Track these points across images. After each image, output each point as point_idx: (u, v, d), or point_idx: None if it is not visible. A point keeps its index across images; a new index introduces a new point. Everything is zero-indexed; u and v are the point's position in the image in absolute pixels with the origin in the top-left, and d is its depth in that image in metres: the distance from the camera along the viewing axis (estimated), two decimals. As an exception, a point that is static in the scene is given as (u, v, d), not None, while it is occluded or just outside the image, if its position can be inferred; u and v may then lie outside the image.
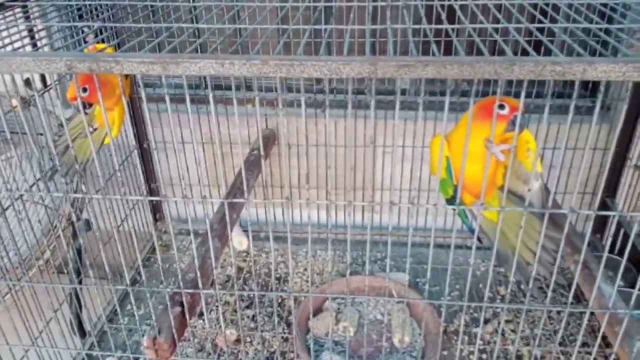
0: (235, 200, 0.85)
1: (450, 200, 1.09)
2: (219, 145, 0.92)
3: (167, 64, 0.74)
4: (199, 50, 1.29)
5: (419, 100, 0.80)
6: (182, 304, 1.01)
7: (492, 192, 1.06)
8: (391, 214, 1.76)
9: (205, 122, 1.79)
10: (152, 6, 1.20)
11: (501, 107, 0.96)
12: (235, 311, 1.67)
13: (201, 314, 1.66)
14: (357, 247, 1.97)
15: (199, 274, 0.92)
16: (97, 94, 0.78)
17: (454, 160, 1.03)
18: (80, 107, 0.83)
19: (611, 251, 1.88)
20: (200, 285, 0.93)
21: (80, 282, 1.51)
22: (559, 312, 1.63)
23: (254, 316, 1.64)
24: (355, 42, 1.68)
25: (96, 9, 1.29)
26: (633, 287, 1.55)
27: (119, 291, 1.72)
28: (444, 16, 0.98)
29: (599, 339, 0.99)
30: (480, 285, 1.76)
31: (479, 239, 1.13)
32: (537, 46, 0.87)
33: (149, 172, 1.97)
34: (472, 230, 1.09)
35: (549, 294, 0.89)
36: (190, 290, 0.96)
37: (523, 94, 0.79)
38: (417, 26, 0.89)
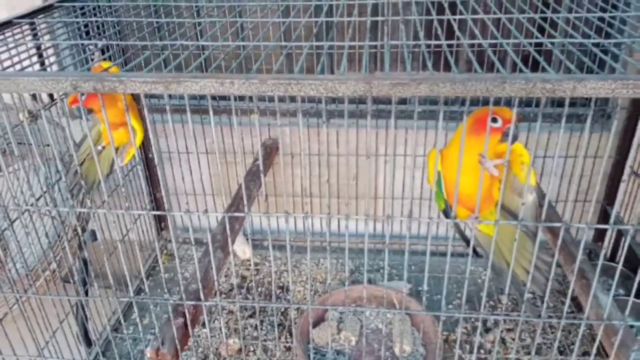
0: (235, 214, 0.87)
1: (445, 212, 1.11)
2: (217, 155, 0.94)
3: (169, 83, 0.76)
4: (203, 64, 1.32)
5: (416, 110, 0.82)
6: (184, 315, 1.03)
7: (489, 207, 1.07)
8: (391, 224, 1.77)
9: (210, 132, 1.83)
10: (157, 22, 1.22)
11: (494, 120, 0.97)
12: (238, 320, 1.69)
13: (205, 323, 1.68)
14: (360, 255, 1.98)
15: (200, 286, 0.94)
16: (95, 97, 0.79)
17: (448, 174, 1.04)
18: (83, 113, 0.85)
19: (613, 259, 1.89)
20: (202, 297, 0.95)
21: (86, 292, 1.54)
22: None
23: (257, 325, 1.66)
24: (356, 56, 1.70)
25: (102, 25, 1.32)
26: (635, 295, 1.56)
27: (123, 301, 1.74)
28: (440, 31, 1.00)
29: (594, 349, 1.00)
30: (482, 294, 1.76)
31: (476, 252, 1.14)
32: (536, 62, 0.88)
33: (154, 182, 1.99)
34: (468, 242, 1.10)
35: (544, 306, 0.90)
36: (192, 302, 0.98)
37: (516, 103, 0.80)
38: (412, 42, 0.91)
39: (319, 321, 1.57)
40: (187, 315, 0.99)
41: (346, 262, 0.99)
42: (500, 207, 0.84)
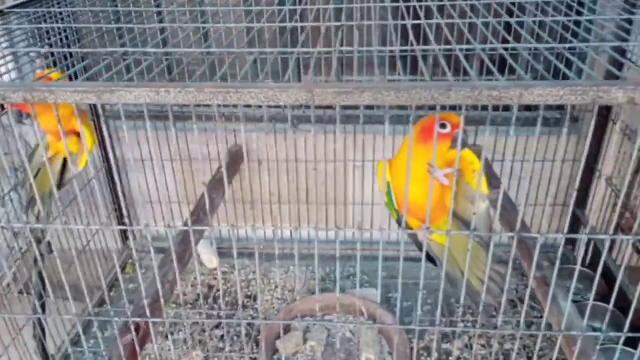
0: (196, 227, 0.84)
1: (399, 222, 1.08)
2: (180, 162, 0.91)
3: (102, 93, 0.73)
4: (165, 71, 1.27)
5: (361, 115, 0.80)
6: (135, 331, 0.99)
7: (442, 216, 1.05)
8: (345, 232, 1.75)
9: (173, 139, 1.79)
10: (106, 28, 1.18)
11: (442, 125, 0.95)
12: (204, 331, 1.65)
13: (170, 334, 1.64)
14: (328, 261, 1.93)
15: (146, 302, 0.91)
16: None
17: (398, 184, 1.02)
18: (13, 116, 0.82)
19: (584, 263, 1.89)
20: (148, 313, 0.92)
21: (42, 305, 1.49)
22: (529, 327, 1.63)
23: (222, 336, 1.63)
24: (330, 59, 1.66)
25: (53, 30, 1.27)
26: (602, 299, 1.55)
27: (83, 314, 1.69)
28: (395, 37, 0.98)
29: (554, 356, 0.98)
30: (452, 300, 1.74)
31: (432, 261, 1.12)
32: (511, 66, 0.85)
33: (116, 190, 1.95)
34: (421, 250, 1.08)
35: (499, 319, 0.88)
36: (138, 319, 0.94)
37: (463, 109, 0.78)
38: (363, 48, 0.89)
39: (285, 330, 1.54)
40: (134, 332, 0.95)
41: (295, 266, 0.95)
42: (452, 216, 0.82)
